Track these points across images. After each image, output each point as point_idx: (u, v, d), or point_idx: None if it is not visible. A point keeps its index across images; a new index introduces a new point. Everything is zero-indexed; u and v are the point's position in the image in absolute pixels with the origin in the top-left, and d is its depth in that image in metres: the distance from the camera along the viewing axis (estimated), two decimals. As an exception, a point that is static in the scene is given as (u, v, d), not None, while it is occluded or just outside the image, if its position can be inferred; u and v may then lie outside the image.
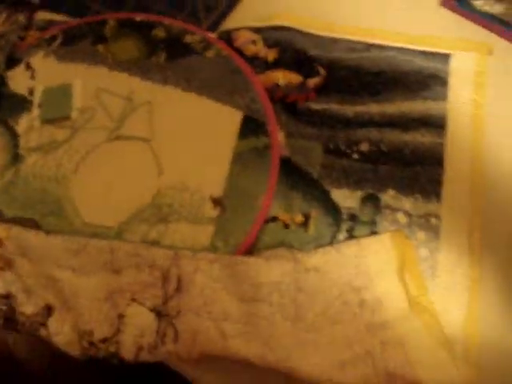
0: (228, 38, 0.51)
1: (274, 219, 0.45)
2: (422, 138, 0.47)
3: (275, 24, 0.51)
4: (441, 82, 0.48)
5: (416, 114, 0.47)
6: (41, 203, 0.47)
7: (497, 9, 0.51)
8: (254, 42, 0.50)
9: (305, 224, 0.45)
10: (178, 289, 0.41)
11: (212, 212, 0.45)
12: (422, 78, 0.49)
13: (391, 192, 0.46)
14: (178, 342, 0.39)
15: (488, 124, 0.48)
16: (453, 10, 0.52)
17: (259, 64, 0.50)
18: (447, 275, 0.43)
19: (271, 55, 0.50)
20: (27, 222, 0.46)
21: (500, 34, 0.50)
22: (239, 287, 0.40)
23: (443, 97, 0.48)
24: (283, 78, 0.49)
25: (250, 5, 0.54)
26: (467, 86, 0.48)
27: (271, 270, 0.40)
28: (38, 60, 0.52)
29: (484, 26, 0.51)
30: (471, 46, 0.51)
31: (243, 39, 0.50)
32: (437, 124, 0.47)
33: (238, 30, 0.51)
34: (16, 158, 0.48)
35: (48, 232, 0.44)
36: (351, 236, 0.44)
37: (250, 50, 0.50)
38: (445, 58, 0.50)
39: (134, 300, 0.41)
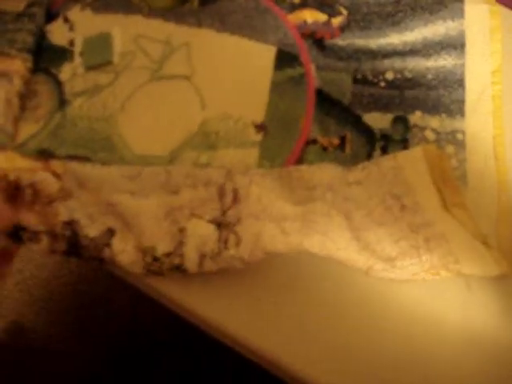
0: (255, -16, 0.54)
1: (314, 142, 0.48)
2: (443, 62, 0.51)
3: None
4: (456, 7, 0.52)
5: (437, 37, 0.51)
6: (91, 141, 0.49)
7: None
8: (280, -15, 0.54)
9: (341, 146, 0.48)
10: (235, 200, 0.44)
11: (256, 136, 0.48)
12: (438, 5, 0.52)
13: (418, 113, 0.50)
14: (240, 245, 0.42)
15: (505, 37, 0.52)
16: None
17: (287, 6, 0.54)
18: (476, 182, 0.47)
19: (297, -3, 0.54)
20: (80, 159, 0.49)
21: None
22: (294, 192, 0.43)
23: (461, 13, 0.52)
24: (310, 16, 0.53)
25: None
26: (481, 2, 0.53)
27: (323, 172, 0.43)
28: (75, 13, 0.55)
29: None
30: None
31: (270, -16, 0.54)
32: (456, 45, 0.51)
33: (264, -24, 0.55)
34: (62, 103, 0.51)
35: (103, 163, 0.47)
36: (385, 153, 0.48)
37: (277, -8, 0.54)
38: None
39: (193, 215, 0.44)
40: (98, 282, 1.04)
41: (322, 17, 0.53)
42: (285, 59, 0.50)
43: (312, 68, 0.51)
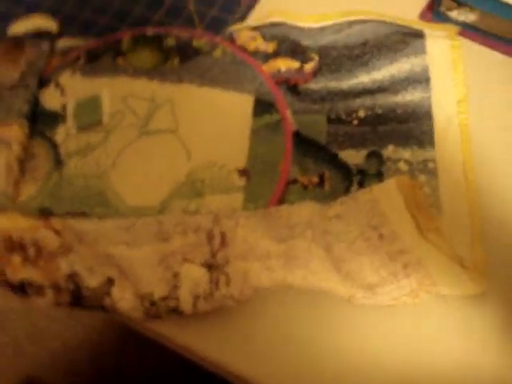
0: (230, 38, 0.58)
1: (295, 181, 0.52)
2: (410, 96, 0.54)
3: (270, 21, 0.59)
4: (419, 36, 0.57)
5: (402, 74, 0.55)
6: (87, 198, 0.53)
7: (470, 18, 0.58)
8: (254, 39, 0.58)
9: (320, 183, 0.52)
10: (223, 243, 0.47)
11: (239, 181, 0.51)
12: (401, 38, 0.56)
13: (391, 147, 0.53)
14: (230, 285, 0.45)
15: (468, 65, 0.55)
16: (430, 21, 0.59)
17: (261, 56, 0.57)
18: (449, 207, 0.50)
19: (270, 47, 0.57)
20: (78, 215, 0.52)
21: (474, 39, 0.58)
22: (276, 231, 0.46)
23: (423, 49, 0.56)
24: (283, 64, 0.57)
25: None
26: (442, 37, 0.56)
27: (301, 210, 0.46)
28: (65, 78, 0.59)
29: (459, 34, 0.58)
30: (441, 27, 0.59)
31: (244, 37, 0.58)
32: (421, 79, 0.54)
33: (237, 30, 0.59)
34: (58, 164, 0.55)
35: (99, 217, 0.51)
36: (362, 187, 0.51)
37: (252, 45, 0.58)
38: (419, 31, 0.58)
39: (185, 260, 0.47)
40: (108, 332, 1.07)
41: (294, 64, 0.57)
42: (262, 107, 0.54)
43: (288, 113, 0.54)
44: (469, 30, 0.58)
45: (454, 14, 0.58)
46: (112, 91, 0.57)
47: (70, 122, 0.57)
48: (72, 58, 0.60)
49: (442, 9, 0.58)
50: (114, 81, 0.58)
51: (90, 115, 0.57)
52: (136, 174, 0.53)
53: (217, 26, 0.61)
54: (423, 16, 0.60)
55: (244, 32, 0.58)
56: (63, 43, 0.62)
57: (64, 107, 0.58)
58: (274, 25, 0.59)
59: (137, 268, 0.48)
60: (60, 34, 0.62)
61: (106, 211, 0.52)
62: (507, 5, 0.55)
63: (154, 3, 0.63)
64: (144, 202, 0.52)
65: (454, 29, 0.58)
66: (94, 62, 0.59)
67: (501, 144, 0.53)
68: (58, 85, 0.59)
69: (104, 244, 0.49)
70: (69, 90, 0.58)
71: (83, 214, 0.52)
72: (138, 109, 0.56)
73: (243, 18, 0.61)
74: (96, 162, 0.54)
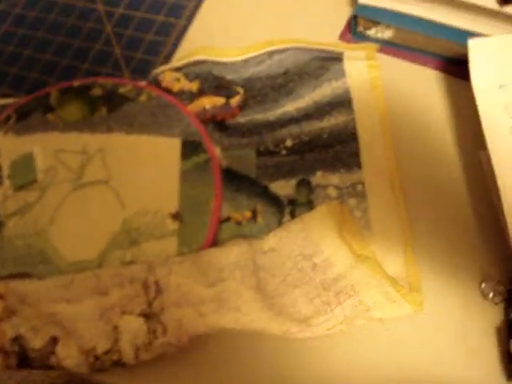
0: (155, 81, 0.59)
1: (228, 219, 0.52)
2: (335, 120, 0.55)
3: (193, 60, 0.60)
4: (337, 59, 0.58)
5: (325, 98, 0.56)
6: (28, 257, 0.54)
7: (387, 34, 0.59)
8: (177, 80, 0.59)
9: (253, 218, 0.52)
10: (158, 291, 0.48)
11: (173, 225, 0.52)
12: (321, 63, 0.57)
13: (319, 173, 0.54)
14: (167, 333, 0.46)
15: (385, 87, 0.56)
16: (350, 42, 0.61)
17: (186, 96, 0.58)
18: (380, 227, 0.51)
19: (194, 87, 0.58)
20: (21, 276, 0.53)
21: (391, 54, 0.60)
22: (206, 275, 0.47)
23: (342, 73, 0.57)
24: (208, 102, 0.58)
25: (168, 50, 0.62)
26: (359, 58, 0.58)
27: (228, 253, 0.47)
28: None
29: (379, 51, 0.60)
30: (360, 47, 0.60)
31: (168, 79, 0.59)
32: (344, 102, 0.55)
33: (162, 72, 0.60)
34: (-1, 226, 0.56)
35: (40, 278, 0.51)
36: (294, 217, 0.52)
37: (176, 86, 0.58)
38: (339, 54, 0.59)
39: (123, 312, 0.48)
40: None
41: (220, 100, 0.58)
42: (190, 148, 0.55)
43: (216, 151, 0.55)
44: (387, 46, 0.59)
45: (371, 32, 0.59)
46: (44, 147, 0.58)
47: (7, 182, 0.57)
48: (3, 118, 0.60)
49: (360, 28, 0.59)
50: (46, 137, 0.59)
51: (24, 174, 0.57)
52: (73, 227, 0.54)
53: (143, 69, 0.62)
54: (343, 37, 0.61)
55: (168, 74, 0.59)
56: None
57: (0, 168, 0.58)
58: (196, 63, 0.60)
59: (79, 324, 0.49)
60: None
61: (48, 269, 0.53)
62: (420, 19, 0.56)
63: (81, 52, 0.64)
64: (83, 256, 0.52)
65: (373, 47, 0.59)
66: (24, 119, 0.60)
67: (425, 156, 0.54)
68: (-9, 146, 0.59)
69: (46, 303, 0.50)
70: (3, 150, 0.59)
71: (26, 275, 0.53)
72: (71, 162, 0.57)
73: (168, 58, 0.62)
74: (34, 220, 0.55)
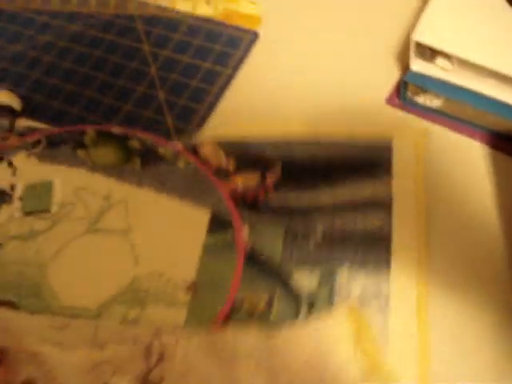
0: (194, 150, 0.59)
1: (242, 301, 0.50)
2: (371, 219, 0.54)
3: (232, 138, 0.60)
4: (385, 167, 0.56)
5: (365, 195, 0.55)
6: (18, 286, 0.50)
7: (436, 103, 0.59)
8: (216, 154, 0.59)
9: (269, 304, 0.50)
10: (160, 359, 0.45)
11: (185, 297, 0.50)
12: (367, 160, 0.57)
13: (346, 268, 0.52)
14: (162, 406, 0.43)
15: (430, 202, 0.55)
16: (397, 107, 0.60)
17: (223, 172, 0.58)
18: (398, 340, 0.49)
19: (231, 164, 0.58)
20: (5, 304, 0.49)
21: (440, 123, 0.59)
22: (218, 354, 0.45)
23: (388, 173, 0.56)
24: (241, 182, 0.57)
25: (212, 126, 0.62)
26: (408, 165, 0.57)
27: (246, 337, 0.45)
28: (20, 159, 0.57)
29: (425, 118, 0.59)
30: (409, 131, 0.60)
31: (207, 151, 0.59)
32: (384, 204, 0.54)
33: (202, 144, 0.60)
34: (-6, 246, 0.52)
35: (30, 312, 0.48)
36: (311, 311, 0.50)
37: (214, 161, 0.58)
38: (387, 146, 0.58)
39: (116, 372, 0.45)
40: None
41: (255, 177, 0.57)
42: (218, 224, 0.54)
43: (245, 229, 0.54)
44: (435, 114, 0.59)
45: (420, 99, 0.59)
46: (66, 181, 0.56)
47: (17, 203, 0.55)
48: (32, 141, 0.58)
49: (409, 94, 0.60)
50: (71, 171, 0.57)
51: (38, 200, 0.55)
52: (77, 270, 0.51)
53: (186, 115, 0.61)
54: (390, 101, 0.61)
55: (207, 146, 0.59)
56: (23, 123, 0.60)
57: (13, 187, 0.56)
58: (237, 141, 0.60)
59: (65, 370, 0.45)
60: (21, 114, 0.61)
61: (38, 305, 0.49)
62: (470, 92, 0.56)
63: (124, 92, 0.63)
64: (80, 303, 0.49)
65: (423, 130, 0.59)
66: (53, 148, 0.58)
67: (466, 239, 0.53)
68: (10, 164, 0.57)
69: (31, 340, 0.46)
70: (21, 172, 0.57)
71: (11, 304, 0.49)
72: (91, 203, 0.55)
73: (211, 108, 0.62)
74: (36, 250, 0.52)
